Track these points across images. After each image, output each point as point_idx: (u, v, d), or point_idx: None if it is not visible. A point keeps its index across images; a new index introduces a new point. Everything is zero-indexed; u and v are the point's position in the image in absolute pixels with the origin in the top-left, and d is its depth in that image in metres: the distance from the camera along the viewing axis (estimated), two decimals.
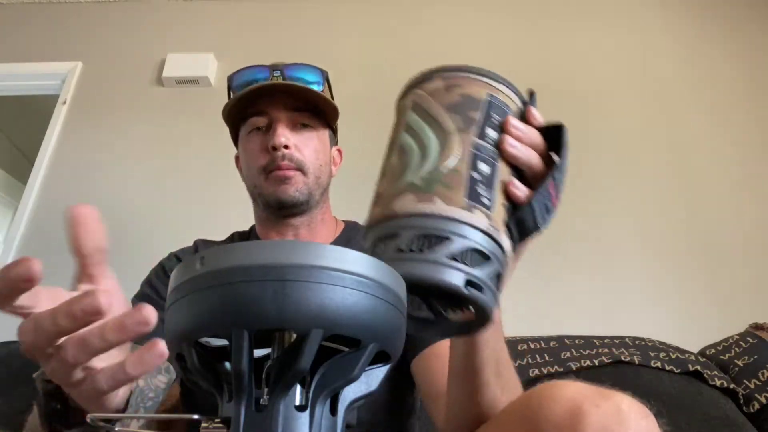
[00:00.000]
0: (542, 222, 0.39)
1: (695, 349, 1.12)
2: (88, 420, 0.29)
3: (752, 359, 1.03)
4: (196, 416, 0.27)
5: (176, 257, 0.87)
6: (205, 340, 0.28)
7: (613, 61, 1.86)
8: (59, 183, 1.81)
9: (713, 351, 1.12)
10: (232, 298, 0.24)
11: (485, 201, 0.35)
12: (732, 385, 1.00)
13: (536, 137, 0.41)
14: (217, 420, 0.26)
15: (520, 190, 0.38)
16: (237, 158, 0.92)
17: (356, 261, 0.26)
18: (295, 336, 0.25)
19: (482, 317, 0.36)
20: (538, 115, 0.42)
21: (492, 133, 0.38)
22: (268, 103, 0.82)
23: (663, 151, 1.69)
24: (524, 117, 0.41)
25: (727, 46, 1.86)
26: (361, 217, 0.91)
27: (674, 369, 1.00)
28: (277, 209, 0.83)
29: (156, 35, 2.06)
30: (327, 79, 0.87)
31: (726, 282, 1.48)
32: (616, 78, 1.83)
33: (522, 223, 0.38)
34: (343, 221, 0.95)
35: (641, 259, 1.52)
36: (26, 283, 0.28)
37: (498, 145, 0.38)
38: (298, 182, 0.82)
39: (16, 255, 1.69)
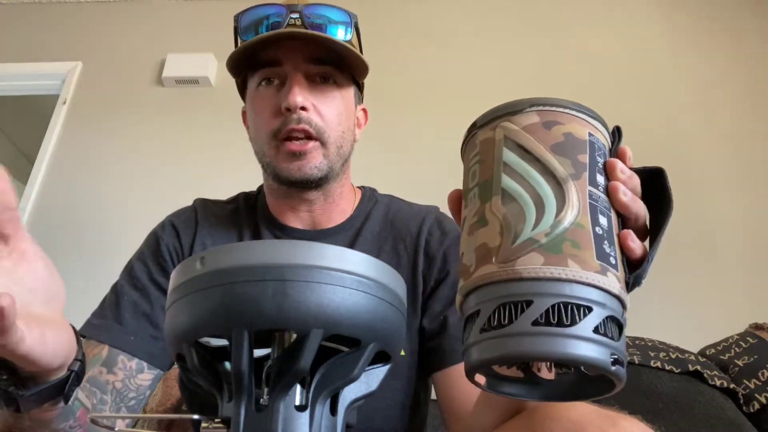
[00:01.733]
0: (646, 276, 0.34)
1: (695, 349, 1.12)
2: (87, 420, 0.29)
3: (752, 359, 1.03)
4: (196, 416, 0.27)
5: (172, 226, 0.74)
6: (205, 340, 0.28)
7: (611, 62, 1.86)
8: (59, 183, 1.81)
9: (713, 351, 1.12)
10: (232, 298, 0.24)
11: (612, 260, 0.32)
12: (732, 385, 1.00)
13: (638, 182, 0.37)
14: (217, 420, 0.26)
15: (637, 244, 0.34)
16: (244, 113, 0.78)
17: (356, 261, 0.26)
18: (295, 336, 0.25)
19: (609, 389, 0.32)
20: (632, 157, 0.38)
21: (601, 180, 0.35)
22: (283, 51, 0.67)
23: (663, 151, 1.69)
24: (615, 156, 0.37)
25: (727, 45, 1.86)
26: (374, 179, 0.88)
27: (674, 369, 1.00)
28: (289, 185, 0.70)
29: (156, 35, 2.06)
30: (356, 25, 0.72)
31: (726, 282, 1.48)
32: (614, 77, 1.83)
33: (637, 281, 0.34)
34: (359, 188, 0.82)
35: None
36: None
37: (609, 193, 0.34)
38: (316, 157, 0.67)
39: None
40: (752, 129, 1.71)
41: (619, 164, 0.35)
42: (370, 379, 0.30)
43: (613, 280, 0.31)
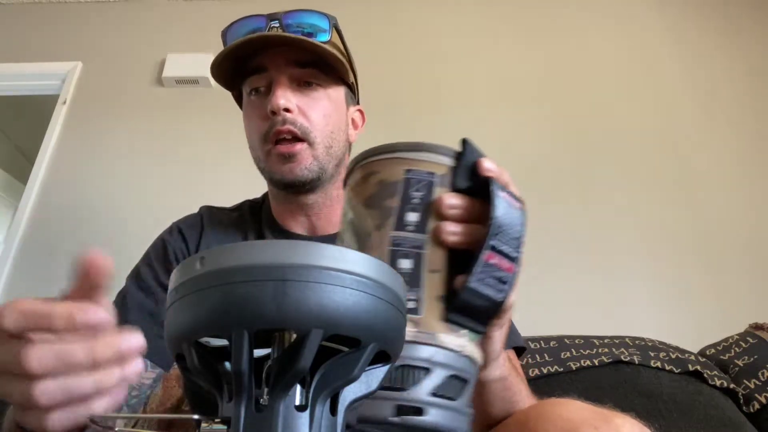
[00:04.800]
0: (498, 295, 0.32)
1: (695, 349, 1.12)
2: (87, 420, 0.29)
3: (752, 359, 1.03)
4: (196, 416, 0.27)
5: (179, 231, 0.77)
6: (205, 340, 0.28)
7: (611, 63, 1.86)
8: (59, 183, 1.81)
9: (713, 351, 1.12)
10: (232, 298, 0.24)
11: (410, 305, 0.31)
12: (732, 385, 1.00)
13: (476, 206, 0.34)
14: (217, 420, 0.26)
15: (457, 279, 0.32)
16: None
17: (356, 261, 0.26)
18: (295, 336, 0.25)
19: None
20: (490, 165, 0.35)
21: (413, 217, 0.33)
22: (267, 58, 0.70)
23: (663, 151, 1.69)
24: (459, 175, 0.35)
25: (727, 46, 1.86)
26: None
27: (674, 369, 1.00)
28: (284, 188, 0.72)
29: (156, 35, 2.06)
30: (336, 27, 0.73)
31: (726, 282, 1.48)
32: (615, 79, 1.83)
33: (469, 309, 0.32)
34: None
35: (641, 259, 1.52)
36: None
37: (433, 233, 0.33)
38: (305, 158, 0.69)
39: (16, 255, 1.69)
40: (753, 128, 1.71)
41: (444, 201, 0.33)
42: (370, 379, 0.30)
43: (406, 327, 0.30)
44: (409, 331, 0.30)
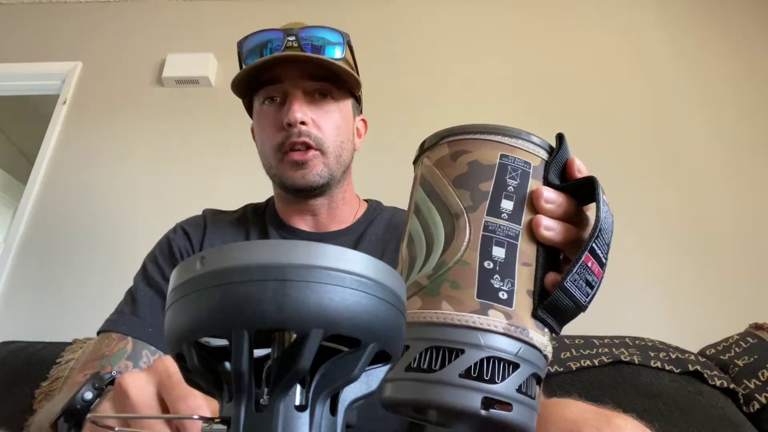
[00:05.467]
0: (584, 299, 0.32)
1: (695, 349, 1.12)
2: (88, 420, 0.29)
3: (752, 359, 1.03)
4: (196, 416, 0.27)
5: (183, 230, 0.80)
6: (205, 340, 0.28)
7: (609, 61, 1.86)
8: (59, 183, 1.81)
9: (713, 351, 1.12)
10: (232, 298, 0.23)
11: (502, 295, 0.30)
12: (732, 385, 1.00)
13: (570, 204, 0.34)
14: (217, 420, 0.26)
15: (548, 276, 0.32)
16: (253, 130, 0.84)
17: (356, 261, 0.26)
18: (295, 336, 0.25)
19: None
20: (582, 166, 0.35)
21: (507, 205, 0.32)
22: (282, 71, 0.74)
23: (662, 151, 1.69)
24: (550, 169, 0.34)
25: (724, 43, 1.86)
26: (380, 194, 0.90)
27: (674, 369, 1.00)
28: (294, 192, 0.77)
29: (156, 35, 2.06)
30: (348, 43, 0.78)
31: (726, 282, 1.48)
32: (613, 77, 1.83)
33: (556, 308, 0.31)
34: (366, 200, 0.89)
35: (641, 259, 1.52)
36: None
37: (528, 225, 0.32)
38: (317, 165, 0.74)
39: (16, 255, 1.69)
40: (753, 126, 1.71)
41: (543, 193, 0.33)
42: (370, 379, 0.30)
43: (498, 317, 0.30)
44: (500, 322, 0.29)
